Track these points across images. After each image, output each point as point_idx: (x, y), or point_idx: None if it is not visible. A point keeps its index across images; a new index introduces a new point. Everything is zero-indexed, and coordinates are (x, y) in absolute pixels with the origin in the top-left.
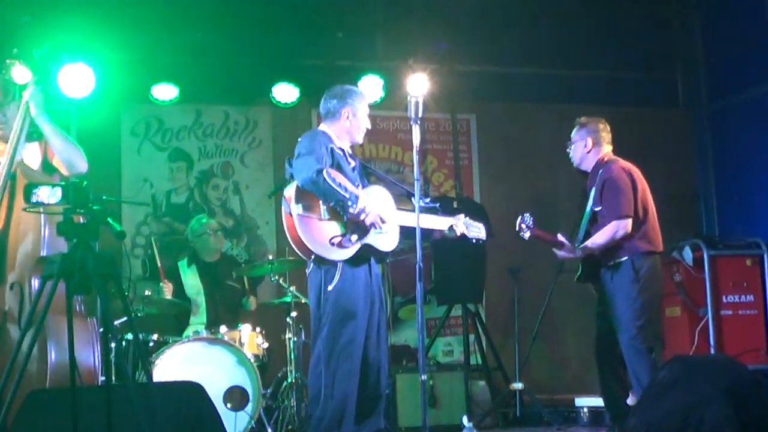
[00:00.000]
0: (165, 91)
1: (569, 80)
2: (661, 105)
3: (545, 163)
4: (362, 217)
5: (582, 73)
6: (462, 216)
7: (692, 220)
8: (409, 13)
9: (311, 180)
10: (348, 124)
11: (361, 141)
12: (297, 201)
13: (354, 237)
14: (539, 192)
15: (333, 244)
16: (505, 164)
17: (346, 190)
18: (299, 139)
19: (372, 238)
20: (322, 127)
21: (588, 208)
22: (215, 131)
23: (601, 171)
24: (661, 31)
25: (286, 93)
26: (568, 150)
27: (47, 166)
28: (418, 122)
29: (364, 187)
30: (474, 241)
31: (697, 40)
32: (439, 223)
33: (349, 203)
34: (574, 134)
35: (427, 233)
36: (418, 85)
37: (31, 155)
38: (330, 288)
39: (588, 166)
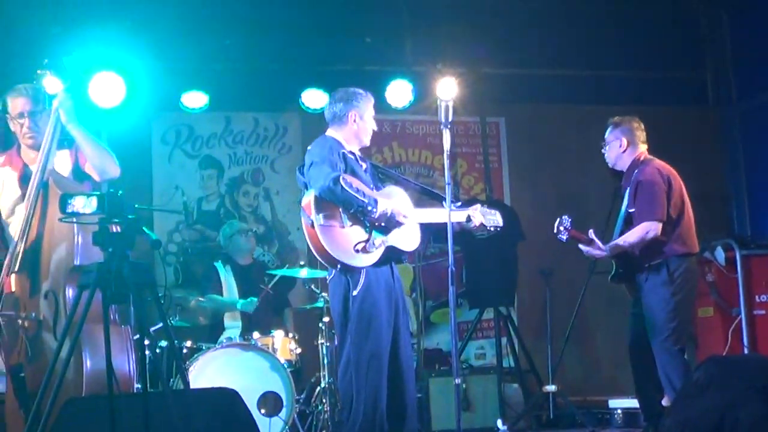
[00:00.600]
0: (195, 99)
1: (597, 81)
2: (690, 104)
3: (575, 165)
4: (383, 221)
5: (610, 73)
6: (477, 205)
7: (724, 219)
8: (436, 18)
9: (329, 188)
10: (355, 128)
11: (368, 143)
12: (317, 211)
13: (378, 241)
14: (569, 193)
15: (357, 251)
16: (535, 166)
17: (364, 195)
18: (308, 148)
19: (395, 240)
20: (330, 132)
21: (623, 209)
22: (245, 138)
23: (636, 171)
24: (690, 30)
25: (315, 98)
26: (603, 150)
27: (78, 174)
28: (449, 126)
29: (377, 188)
30: (492, 229)
31: (726, 38)
32: (455, 216)
33: (369, 208)
34: (608, 134)
35: (443, 228)
36: (447, 89)
37: (62, 163)
38: (355, 293)
39: (623, 166)
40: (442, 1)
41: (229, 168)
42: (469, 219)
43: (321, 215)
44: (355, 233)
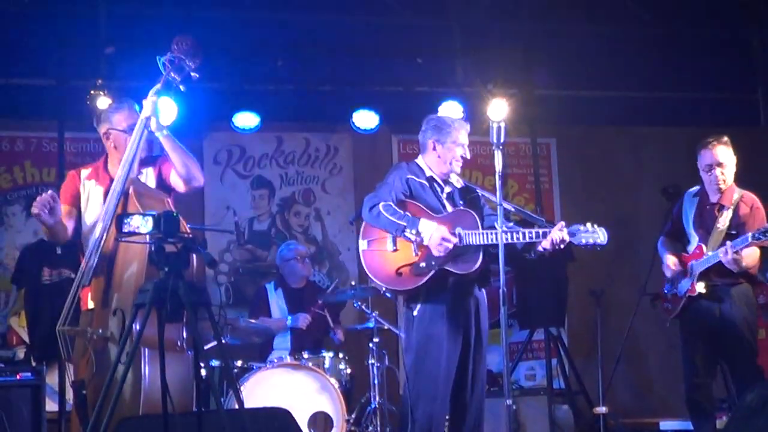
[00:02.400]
0: (246, 119)
1: (649, 102)
2: (742, 125)
3: (625, 186)
4: (425, 241)
5: (662, 94)
6: (563, 223)
7: None
8: (487, 39)
9: (367, 215)
10: (436, 154)
11: (457, 170)
12: (363, 236)
13: (423, 264)
14: (620, 215)
15: (400, 275)
16: (585, 187)
17: (404, 217)
18: None
19: (448, 263)
20: (419, 158)
21: (723, 228)
22: (296, 158)
23: (736, 195)
24: (741, 50)
25: (366, 119)
26: (726, 171)
27: (162, 187)
28: (501, 147)
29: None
30: (589, 247)
31: None
32: (533, 235)
33: (407, 228)
34: (728, 155)
35: (525, 248)
36: (498, 110)
37: (147, 180)
38: (414, 313)
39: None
40: (494, 23)
41: (280, 188)
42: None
43: (366, 241)
44: (403, 256)
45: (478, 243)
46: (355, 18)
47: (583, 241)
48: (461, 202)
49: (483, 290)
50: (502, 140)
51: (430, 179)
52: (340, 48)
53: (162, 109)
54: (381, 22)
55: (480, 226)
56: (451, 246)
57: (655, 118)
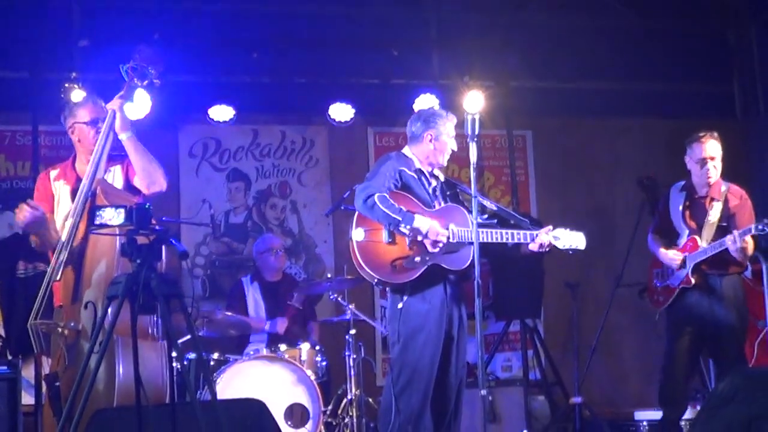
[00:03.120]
0: (222, 112)
1: (625, 94)
2: (718, 117)
3: (602, 177)
4: (419, 237)
5: (638, 86)
6: (550, 227)
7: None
8: (463, 31)
9: (362, 205)
10: (431, 147)
11: (444, 163)
12: (357, 226)
13: (417, 258)
14: (596, 206)
15: (395, 267)
16: (562, 179)
17: (400, 211)
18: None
19: (440, 258)
20: (405, 149)
21: (714, 220)
22: (272, 151)
23: (724, 187)
24: (717, 43)
25: (342, 112)
26: (717, 165)
27: (130, 188)
28: (476, 139)
29: (437, 206)
30: (570, 251)
31: (753, 51)
32: (521, 236)
33: (403, 223)
34: (718, 150)
35: (513, 247)
36: (474, 102)
37: (115, 178)
38: (400, 306)
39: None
40: (470, 15)
41: (256, 181)
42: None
43: (360, 230)
44: (397, 249)
45: (470, 240)
46: (330, 10)
47: (566, 245)
48: (448, 197)
49: (462, 284)
50: (477, 132)
51: (419, 171)
52: (315, 40)
53: (128, 110)
54: (357, 14)
55: (469, 224)
56: (443, 243)
57: (632, 110)
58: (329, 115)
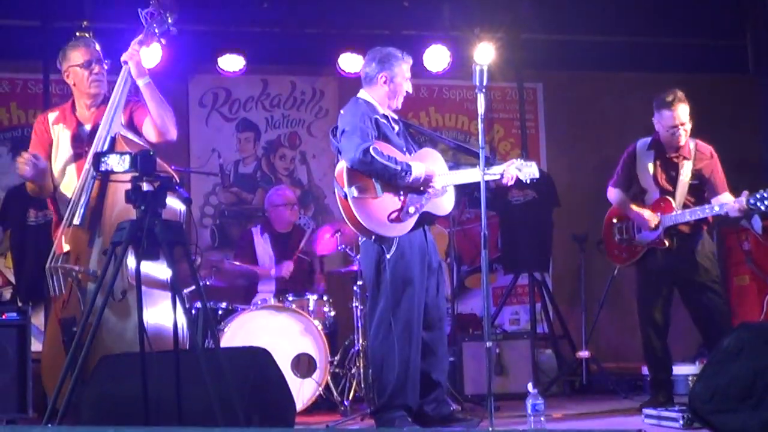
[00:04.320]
0: (231, 62)
1: (636, 48)
2: (729, 71)
3: (612, 131)
4: (418, 185)
5: (649, 40)
6: (512, 160)
7: (762, 187)
8: None
9: (360, 160)
10: (386, 89)
11: (399, 106)
12: (350, 183)
13: (412, 209)
14: (606, 160)
15: (392, 221)
16: (572, 133)
17: (396, 162)
18: (341, 112)
19: (429, 205)
20: (362, 93)
21: (686, 179)
22: (282, 101)
23: (694, 145)
24: None
25: (352, 62)
26: (682, 130)
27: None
28: (483, 90)
29: (410, 151)
30: (528, 181)
31: (767, 4)
32: (490, 174)
33: (403, 174)
34: (688, 113)
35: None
36: (485, 54)
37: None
38: (389, 256)
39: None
40: None
41: (265, 131)
42: (502, 176)
43: (354, 187)
44: (389, 202)
45: (462, 182)
46: None
47: (527, 176)
48: (412, 140)
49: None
50: (485, 83)
51: (384, 116)
52: None
53: (145, 56)
54: None
55: (445, 167)
56: (439, 187)
57: (643, 63)
58: (339, 66)
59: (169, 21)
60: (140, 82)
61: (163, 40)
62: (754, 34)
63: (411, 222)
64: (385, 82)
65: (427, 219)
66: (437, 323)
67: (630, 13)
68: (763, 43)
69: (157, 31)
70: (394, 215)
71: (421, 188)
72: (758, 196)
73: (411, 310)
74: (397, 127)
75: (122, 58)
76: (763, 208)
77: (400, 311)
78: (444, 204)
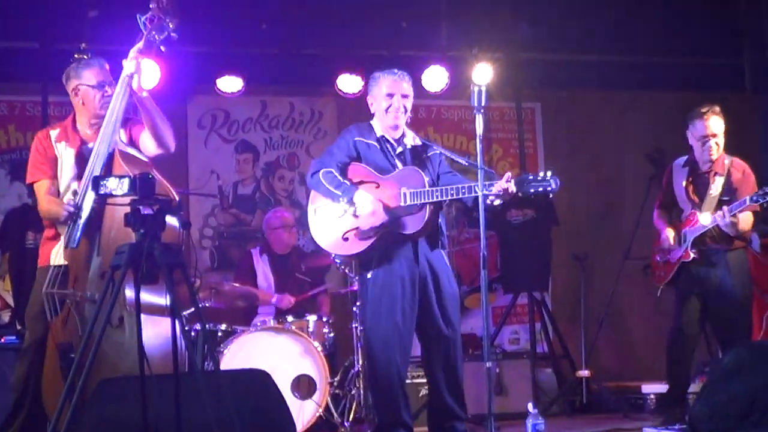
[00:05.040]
0: (230, 83)
1: (634, 67)
2: (727, 89)
3: (611, 151)
4: (357, 212)
5: (647, 58)
6: (509, 174)
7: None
8: (473, 2)
9: (309, 181)
10: (376, 112)
11: (391, 123)
12: (311, 203)
13: (366, 227)
14: (605, 179)
15: (346, 240)
16: (570, 152)
17: (340, 185)
18: None
19: (394, 224)
20: (373, 119)
21: (716, 194)
22: (281, 122)
23: (727, 160)
24: (728, 15)
25: (350, 83)
26: (719, 141)
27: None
28: (482, 111)
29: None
30: (540, 193)
31: (764, 23)
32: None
33: (341, 199)
34: (722, 126)
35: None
36: (483, 74)
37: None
38: (369, 275)
39: None
40: None
41: (264, 152)
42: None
43: (314, 207)
44: (349, 221)
45: (421, 202)
46: None
47: (532, 189)
48: (414, 161)
49: (439, 251)
50: (483, 104)
51: (381, 139)
52: (324, 11)
53: (144, 70)
54: None
55: (425, 185)
56: (378, 224)
57: (641, 82)
58: (338, 87)
59: (171, 26)
60: (140, 95)
61: (163, 48)
62: (752, 52)
63: (369, 241)
64: (370, 105)
65: (395, 238)
66: (434, 341)
67: (627, 32)
68: (760, 61)
69: (157, 38)
70: (348, 234)
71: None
72: (760, 192)
73: (389, 329)
74: (399, 149)
75: (125, 71)
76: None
77: (379, 330)
78: (410, 222)
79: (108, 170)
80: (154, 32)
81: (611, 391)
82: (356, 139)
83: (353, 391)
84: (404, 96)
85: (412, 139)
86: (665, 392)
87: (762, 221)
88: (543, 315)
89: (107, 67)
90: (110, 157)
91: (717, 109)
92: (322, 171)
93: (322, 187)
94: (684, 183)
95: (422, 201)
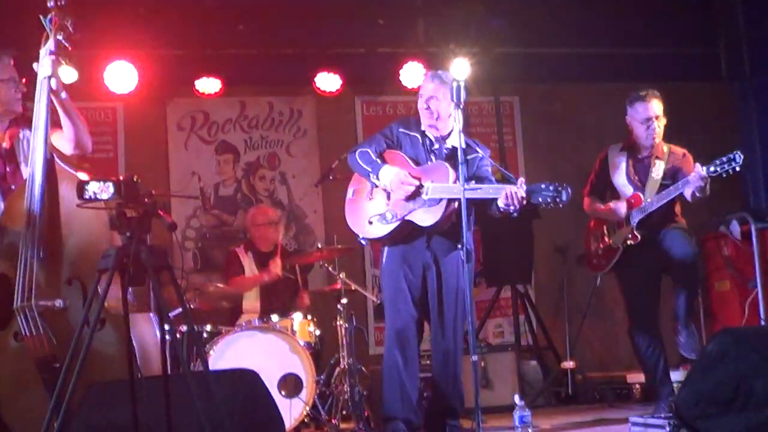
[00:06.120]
0: (209, 85)
1: (611, 58)
2: (704, 79)
3: (589, 142)
4: (388, 186)
5: (623, 50)
6: (522, 180)
7: (739, 193)
8: None
9: (348, 160)
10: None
11: (430, 122)
12: (350, 185)
13: (389, 215)
14: (585, 171)
15: (371, 223)
16: (550, 145)
17: (371, 163)
18: None
19: (412, 214)
20: None
21: (658, 177)
22: (260, 122)
23: (665, 146)
24: (702, 4)
25: (328, 81)
26: (655, 126)
27: None
28: (461, 106)
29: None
30: (549, 205)
31: (738, 12)
32: (497, 191)
33: (371, 174)
34: (661, 108)
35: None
36: (461, 69)
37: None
38: (383, 267)
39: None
40: None
41: (244, 152)
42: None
43: (351, 189)
44: (376, 206)
45: (440, 197)
46: None
47: (541, 199)
48: (449, 159)
49: (456, 250)
50: (462, 99)
51: (423, 133)
52: (300, 10)
53: (61, 71)
54: None
55: (449, 181)
56: (412, 188)
57: (618, 74)
58: (316, 85)
59: (69, 27)
60: (59, 96)
61: (69, 47)
62: (727, 41)
63: (389, 227)
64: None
65: (413, 229)
66: (440, 342)
67: (603, 23)
68: (735, 50)
69: (63, 36)
70: (374, 218)
71: (392, 189)
72: (717, 162)
73: (396, 323)
74: (437, 146)
75: (42, 73)
76: (722, 171)
77: (390, 324)
78: (428, 215)
79: (50, 176)
80: (60, 31)
81: (596, 382)
82: (400, 130)
83: (339, 388)
84: (430, 98)
85: (457, 140)
86: (646, 381)
87: (741, 208)
88: (527, 307)
89: (11, 62)
90: (48, 163)
91: (656, 92)
92: (358, 151)
93: (356, 164)
94: (624, 167)
95: (440, 196)
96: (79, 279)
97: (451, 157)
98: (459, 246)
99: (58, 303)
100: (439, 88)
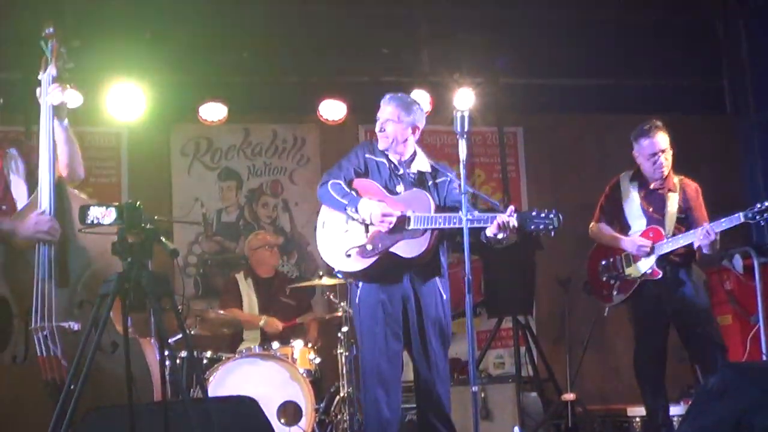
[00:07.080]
0: (213, 111)
1: (615, 90)
2: (708, 112)
3: (593, 173)
4: (367, 221)
5: (628, 82)
6: (512, 208)
7: (742, 227)
8: (454, 28)
9: (318, 191)
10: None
11: (384, 147)
12: (320, 216)
13: (369, 246)
14: (587, 202)
15: (348, 256)
16: (553, 175)
17: (346, 195)
18: None
19: (394, 246)
20: None
21: (674, 211)
22: (264, 149)
23: (677, 178)
24: (707, 38)
25: (333, 110)
26: (668, 156)
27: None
28: (465, 136)
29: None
30: (541, 232)
31: (742, 46)
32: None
33: (348, 207)
34: (668, 142)
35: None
36: (465, 99)
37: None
38: (357, 301)
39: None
40: (459, 12)
41: (248, 179)
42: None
43: (322, 221)
44: (353, 238)
45: (424, 227)
46: (320, 8)
47: (533, 226)
48: (418, 185)
49: (434, 279)
50: (466, 129)
51: (387, 158)
52: (306, 39)
53: (68, 96)
54: (347, 12)
55: (431, 210)
56: (393, 220)
57: (622, 105)
58: (320, 114)
59: (64, 54)
60: (58, 122)
61: (72, 65)
62: (731, 74)
63: (368, 261)
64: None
65: (394, 262)
66: (425, 373)
67: (608, 55)
68: (739, 83)
69: (65, 63)
70: (352, 251)
71: (368, 222)
72: (756, 209)
73: (374, 356)
74: (401, 171)
75: (50, 101)
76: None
77: (364, 357)
78: (411, 247)
79: (63, 201)
80: (62, 58)
81: (597, 415)
82: (366, 155)
83: (339, 417)
84: (387, 121)
85: (421, 164)
86: (647, 414)
87: (744, 242)
88: (527, 339)
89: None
90: (58, 188)
91: (659, 123)
92: (330, 182)
93: (330, 197)
94: (636, 198)
95: (425, 226)
96: (92, 302)
97: (418, 182)
98: (438, 276)
99: (75, 326)
100: (396, 111)
